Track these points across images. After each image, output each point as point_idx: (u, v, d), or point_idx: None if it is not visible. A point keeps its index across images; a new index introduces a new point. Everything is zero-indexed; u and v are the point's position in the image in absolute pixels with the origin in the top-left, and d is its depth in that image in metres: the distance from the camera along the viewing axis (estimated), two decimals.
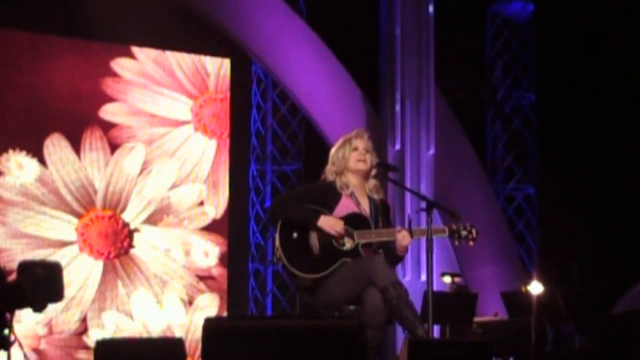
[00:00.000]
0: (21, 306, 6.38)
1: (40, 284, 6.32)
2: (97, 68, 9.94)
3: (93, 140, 9.63)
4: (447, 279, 8.63)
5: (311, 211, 5.09)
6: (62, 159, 9.40)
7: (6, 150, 9.18)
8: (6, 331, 6.15)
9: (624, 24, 10.47)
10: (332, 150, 5.33)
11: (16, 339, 6.28)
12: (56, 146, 9.43)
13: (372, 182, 5.31)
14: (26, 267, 6.37)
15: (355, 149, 5.25)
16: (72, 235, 9.53)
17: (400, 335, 8.95)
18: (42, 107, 9.59)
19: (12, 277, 6.64)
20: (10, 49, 9.59)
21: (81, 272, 9.48)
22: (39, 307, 6.53)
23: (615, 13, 10.52)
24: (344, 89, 10.30)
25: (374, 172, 5.29)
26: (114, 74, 10.03)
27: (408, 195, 9.59)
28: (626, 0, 10.41)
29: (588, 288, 8.95)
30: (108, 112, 9.95)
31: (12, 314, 6.22)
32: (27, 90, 9.56)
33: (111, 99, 9.99)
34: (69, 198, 9.41)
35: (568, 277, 8.43)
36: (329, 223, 5.05)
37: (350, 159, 5.24)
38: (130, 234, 9.88)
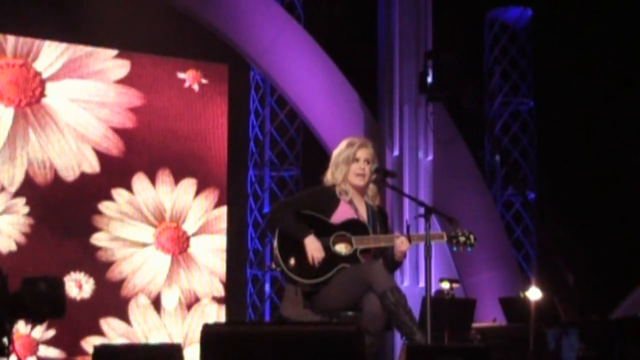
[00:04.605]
0: (21, 317, 6.41)
1: (42, 298, 6.36)
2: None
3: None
4: (446, 285, 8.62)
5: (304, 226, 5.08)
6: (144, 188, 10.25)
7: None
8: (5, 340, 6.16)
9: (622, 30, 10.48)
10: (335, 153, 5.30)
11: (14, 349, 6.29)
12: (141, 179, 10.21)
13: (371, 188, 5.31)
14: (29, 282, 6.42)
15: (357, 160, 5.24)
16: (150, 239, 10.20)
17: (399, 341, 8.93)
18: None
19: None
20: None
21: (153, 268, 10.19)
22: (39, 319, 6.56)
23: (613, 19, 10.53)
24: (342, 95, 10.30)
25: (373, 177, 5.28)
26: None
27: (406, 201, 9.57)
28: (624, 6, 10.41)
29: (586, 294, 8.93)
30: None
31: (12, 324, 6.24)
32: None
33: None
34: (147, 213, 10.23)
35: (565, 284, 8.42)
36: (313, 247, 5.04)
37: (350, 172, 5.23)
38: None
